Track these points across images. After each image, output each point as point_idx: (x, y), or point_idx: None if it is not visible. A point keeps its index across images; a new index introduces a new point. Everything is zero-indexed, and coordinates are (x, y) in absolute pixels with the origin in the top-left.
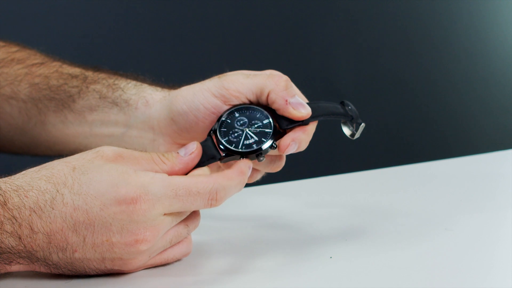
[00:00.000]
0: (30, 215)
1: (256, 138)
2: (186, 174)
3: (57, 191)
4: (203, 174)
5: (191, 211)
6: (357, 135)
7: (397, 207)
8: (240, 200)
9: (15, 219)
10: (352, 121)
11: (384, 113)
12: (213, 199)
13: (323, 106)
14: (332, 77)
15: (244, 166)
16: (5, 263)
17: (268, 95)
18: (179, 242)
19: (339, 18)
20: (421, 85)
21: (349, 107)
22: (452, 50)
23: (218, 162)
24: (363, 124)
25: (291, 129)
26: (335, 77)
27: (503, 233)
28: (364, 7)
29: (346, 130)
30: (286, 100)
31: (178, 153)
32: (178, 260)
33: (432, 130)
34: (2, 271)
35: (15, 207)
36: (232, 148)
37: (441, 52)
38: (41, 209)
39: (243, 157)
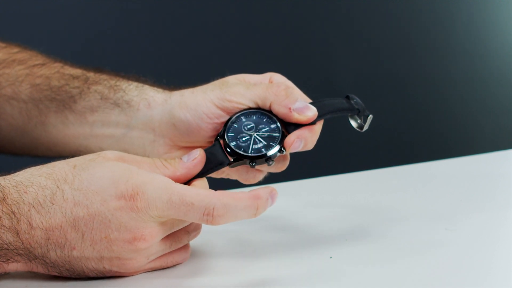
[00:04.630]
0: (29, 210)
1: (265, 143)
2: (189, 181)
3: (57, 187)
4: (205, 188)
5: (185, 220)
6: (365, 127)
7: (397, 207)
8: None
9: (14, 214)
10: (359, 114)
11: (384, 113)
12: (209, 214)
13: (328, 104)
14: (332, 77)
15: (263, 192)
16: (2, 261)
17: (270, 106)
18: (178, 248)
19: (339, 18)
20: (421, 85)
21: (355, 100)
22: (452, 50)
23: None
24: (370, 116)
25: None
26: (335, 77)
27: (503, 233)
28: (365, 7)
29: (354, 123)
30: (290, 108)
31: (181, 159)
32: (177, 264)
33: (432, 130)
34: (0, 271)
35: (14, 202)
36: (241, 152)
37: (441, 52)
38: (41, 205)
39: (252, 162)
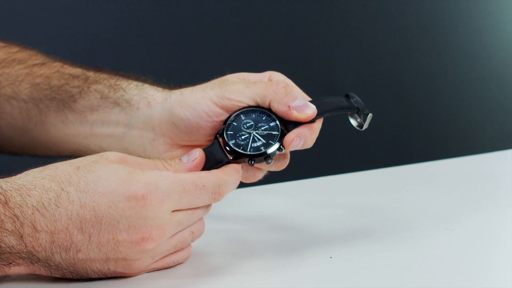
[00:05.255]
0: (33, 213)
1: (264, 141)
2: None
3: (62, 189)
4: (203, 171)
5: (197, 206)
6: (365, 126)
7: (397, 207)
8: (240, 200)
9: (17, 218)
10: (359, 113)
11: (384, 113)
12: (216, 193)
13: (327, 102)
14: (332, 77)
15: (238, 166)
16: (3, 264)
17: (269, 104)
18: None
19: (339, 18)
20: (421, 85)
21: (354, 99)
22: (452, 50)
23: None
24: (370, 114)
25: None
26: (335, 76)
27: (503, 233)
28: (364, 7)
29: (354, 122)
30: (289, 106)
31: (181, 159)
32: (179, 263)
33: (432, 130)
34: (1, 274)
35: (17, 205)
36: (240, 151)
37: (441, 52)
38: (45, 208)
39: (251, 160)
